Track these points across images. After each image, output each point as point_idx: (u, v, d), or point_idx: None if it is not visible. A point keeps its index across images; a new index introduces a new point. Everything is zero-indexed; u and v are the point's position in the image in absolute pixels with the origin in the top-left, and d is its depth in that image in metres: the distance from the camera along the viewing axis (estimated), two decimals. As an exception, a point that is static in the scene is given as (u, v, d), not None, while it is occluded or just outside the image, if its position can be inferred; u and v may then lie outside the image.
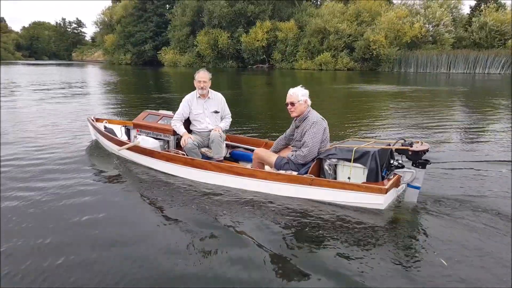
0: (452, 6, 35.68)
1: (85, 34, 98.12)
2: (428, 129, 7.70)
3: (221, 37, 43.42)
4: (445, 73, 31.72)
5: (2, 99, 12.18)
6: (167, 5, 54.31)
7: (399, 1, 38.75)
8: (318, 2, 47.48)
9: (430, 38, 34.55)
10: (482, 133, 7.45)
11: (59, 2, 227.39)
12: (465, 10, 37.90)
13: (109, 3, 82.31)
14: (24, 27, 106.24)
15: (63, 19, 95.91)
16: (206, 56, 45.76)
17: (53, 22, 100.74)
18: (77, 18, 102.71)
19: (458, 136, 7.12)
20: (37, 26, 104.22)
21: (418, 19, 34.28)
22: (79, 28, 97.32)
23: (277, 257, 2.75)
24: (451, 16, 34.99)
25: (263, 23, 41.58)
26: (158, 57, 50.68)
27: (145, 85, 20.79)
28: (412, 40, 34.18)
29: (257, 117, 9.86)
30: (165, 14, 52.32)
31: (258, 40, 41.45)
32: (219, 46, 44.07)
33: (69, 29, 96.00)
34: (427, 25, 34.48)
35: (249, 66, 43.65)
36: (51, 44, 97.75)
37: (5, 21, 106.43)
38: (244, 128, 7.69)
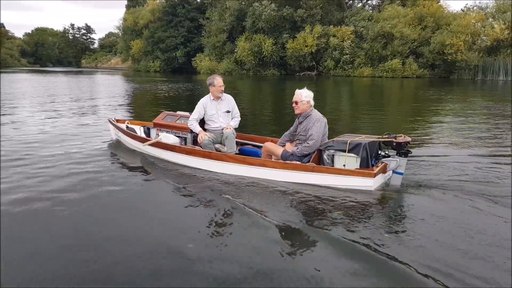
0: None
1: (95, 41, 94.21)
2: None
3: (265, 43, 40.36)
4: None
5: (40, 105, 12.82)
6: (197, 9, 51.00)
7: (470, 2, 36.19)
8: (366, 7, 44.81)
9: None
10: None
11: (63, 8, 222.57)
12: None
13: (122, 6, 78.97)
14: (26, 33, 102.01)
15: (72, 25, 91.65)
16: (246, 63, 42.67)
17: (61, 28, 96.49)
18: (86, 24, 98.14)
19: None
20: (41, 32, 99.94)
21: (497, 22, 31.83)
22: (88, 34, 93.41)
23: (284, 230, 3.33)
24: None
25: (313, 27, 38.68)
26: (193, 64, 47.30)
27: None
28: (492, 45, 31.61)
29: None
30: (197, 18, 48.96)
31: (306, 46, 38.45)
32: (262, 53, 40.99)
33: (77, 35, 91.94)
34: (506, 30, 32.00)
35: (296, 74, 40.73)
36: (56, 51, 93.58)
37: (4, 27, 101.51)
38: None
